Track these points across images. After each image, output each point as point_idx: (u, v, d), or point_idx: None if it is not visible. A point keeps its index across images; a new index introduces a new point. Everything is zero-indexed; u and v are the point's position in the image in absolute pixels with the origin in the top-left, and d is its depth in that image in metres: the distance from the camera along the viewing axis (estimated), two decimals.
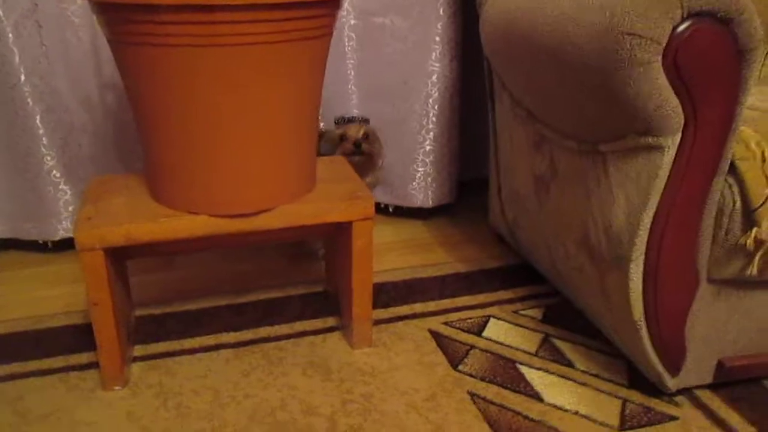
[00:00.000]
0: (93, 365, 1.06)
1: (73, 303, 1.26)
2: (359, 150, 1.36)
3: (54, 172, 1.38)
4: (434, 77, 1.52)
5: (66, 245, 1.44)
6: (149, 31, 0.83)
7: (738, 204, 0.86)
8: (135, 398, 0.99)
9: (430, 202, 1.61)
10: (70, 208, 1.41)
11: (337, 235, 1.13)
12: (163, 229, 0.95)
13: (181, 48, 0.84)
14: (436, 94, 1.53)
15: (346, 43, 1.51)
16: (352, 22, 1.50)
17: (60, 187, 1.39)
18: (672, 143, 0.82)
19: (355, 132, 1.37)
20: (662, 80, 0.79)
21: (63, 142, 1.38)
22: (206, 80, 0.86)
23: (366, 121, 1.41)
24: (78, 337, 1.14)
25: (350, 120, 1.40)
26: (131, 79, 0.93)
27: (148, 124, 0.94)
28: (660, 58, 0.77)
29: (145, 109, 0.93)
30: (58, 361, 1.08)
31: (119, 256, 1.07)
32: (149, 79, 0.89)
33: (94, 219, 0.94)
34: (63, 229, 1.42)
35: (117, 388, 1.01)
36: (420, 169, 1.58)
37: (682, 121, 0.81)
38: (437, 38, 1.50)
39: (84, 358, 1.08)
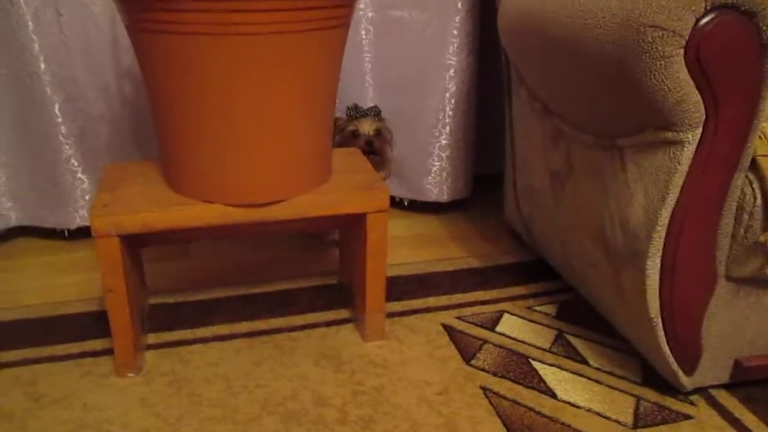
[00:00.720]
0: (107, 352, 1.07)
1: (88, 290, 1.27)
2: (372, 148, 1.35)
3: (72, 160, 1.39)
4: (451, 71, 1.51)
5: (83, 233, 1.45)
6: (167, 18, 0.84)
7: (758, 201, 0.84)
8: (148, 385, 1.00)
9: (446, 197, 1.60)
10: (87, 197, 1.42)
11: (352, 226, 1.13)
12: (178, 218, 0.95)
13: (198, 36, 0.84)
14: (453, 88, 1.53)
15: (364, 36, 1.51)
16: (370, 14, 1.50)
17: (78, 175, 1.40)
18: (692, 138, 0.81)
19: (367, 129, 1.36)
20: (683, 74, 0.77)
21: (81, 131, 1.38)
22: (223, 69, 0.86)
23: (378, 114, 1.40)
24: (93, 323, 1.15)
25: (363, 113, 1.39)
26: (148, 67, 0.93)
27: (163, 112, 0.95)
28: (682, 51, 0.76)
29: (161, 97, 0.93)
30: (72, 347, 1.09)
31: (134, 244, 1.07)
32: (166, 67, 0.89)
33: (110, 206, 0.95)
34: (80, 218, 1.43)
35: (130, 375, 1.02)
36: (436, 164, 1.57)
37: (703, 116, 0.80)
38: (455, 32, 1.49)
39: (98, 344, 1.09)
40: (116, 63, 1.35)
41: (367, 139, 1.35)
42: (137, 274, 1.11)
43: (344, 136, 1.37)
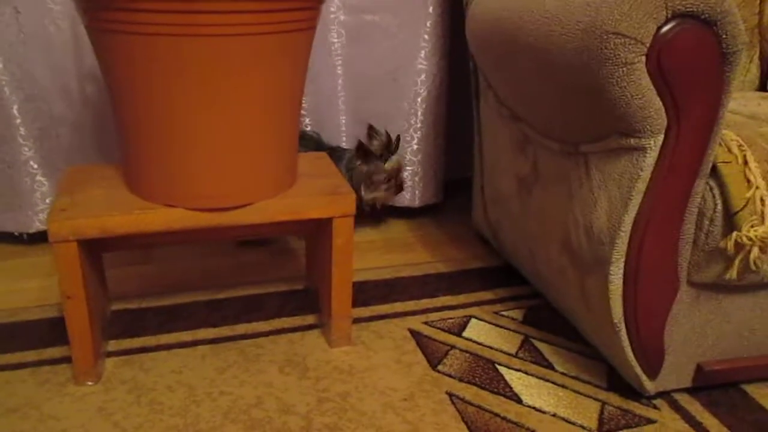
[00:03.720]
0: (65, 359, 1.04)
1: (47, 296, 1.24)
2: (391, 187, 1.44)
3: (31, 162, 1.36)
4: (423, 76, 1.52)
5: (42, 237, 1.40)
6: (127, 19, 0.82)
7: (719, 207, 0.85)
8: (107, 393, 0.97)
9: (417, 202, 1.60)
10: (47, 200, 1.39)
11: (318, 231, 1.12)
12: (139, 222, 0.93)
13: (159, 37, 0.82)
14: (425, 92, 1.53)
15: (335, 40, 1.50)
16: (342, 18, 1.49)
17: (37, 178, 1.37)
18: (654, 145, 0.82)
19: (392, 174, 1.43)
20: (645, 81, 0.78)
21: (41, 132, 1.35)
22: (185, 71, 0.85)
23: (394, 146, 1.42)
24: (51, 330, 1.12)
25: (379, 153, 1.41)
26: (108, 68, 0.91)
27: (125, 114, 0.93)
28: (644, 58, 0.77)
29: (122, 99, 0.91)
30: (29, 355, 1.06)
31: (95, 249, 1.05)
32: (127, 69, 0.87)
33: (69, 210, 0.92)
34: (39, 221, 1.39)
35: (89, 383, 0.99)
36: (407, 168, 1.57)
37: (665, 123, 0.81)
38: (426, 36, 1.49)
39: (56, 352, 1.06)
40: (77, 63, 1.32)
41: (389, 179, 1.43)
42: (98, 280, 1.08)
43: (360, 176, 1.42)
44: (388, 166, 1.40)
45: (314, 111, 1.50)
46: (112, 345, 1.09)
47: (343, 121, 1.53)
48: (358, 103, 1.53)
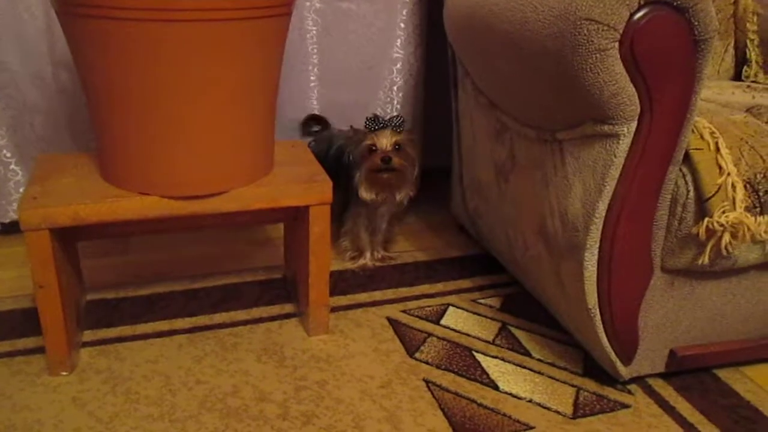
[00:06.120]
0: (39, 350, 1.02)
1: (21, 286, 1.22)
2: (388, 165, 1.21)
3: (4, 151, 1.33)
4: (399, 64, 1.51)
5: (17, 227, 1.38)
6: (100, 3, 0.81)
7: (691, 193, 0.86)
8: (82, 384, 0.97)
9: None
10: (21, 189, 1.37)
11: (296, 220, 1.11)
12: (113, 210, 0.92)
13: (132, 22, 0.81)
14: (401, 81, 1.52)
15: (311, 28, 1.49)
16: (317, 5, 1.48)
17: (11, 167, 1.35)
18: (628, 131, 0.82)
19: (385, 143, 1.21)
20: (618, 67, 0.79)
21: (14, 120, 1.33)
22: (158, 57, 0.84)
23: (400, 124, 1.24)
24: (25, 321, 1.11)
25: (382, 124, 1.23)
26: (81, 55, 0.90)
27: (98, 101, 0.91)
28: (617, 45, 0.77)
29: (95, 86, 0.90)
30: (2, 346, 1.04)
31: (69, 238, 1.04)
32: (99, 55, 0.86)
33: (40, 198, 0.91)
34: (13, 211, 1.37)
35: (64, 373, 0.98)
36: None
37: (638, 110, 0.81)
38: (402, 25, 1.48)
39: (30, 342, 1.05)
40: (51, 50, 1.30)
41: (383, 156, 1.20)
42: (72, 269, 1.07)
43: (361, 150, 1.23)
44: (377, 138, 1.19)
45: (291, 99, 1.49)
46: (88, 335, 1.08)
47: (317, 110, 1.52)
48: (333, 91, 1.52)
